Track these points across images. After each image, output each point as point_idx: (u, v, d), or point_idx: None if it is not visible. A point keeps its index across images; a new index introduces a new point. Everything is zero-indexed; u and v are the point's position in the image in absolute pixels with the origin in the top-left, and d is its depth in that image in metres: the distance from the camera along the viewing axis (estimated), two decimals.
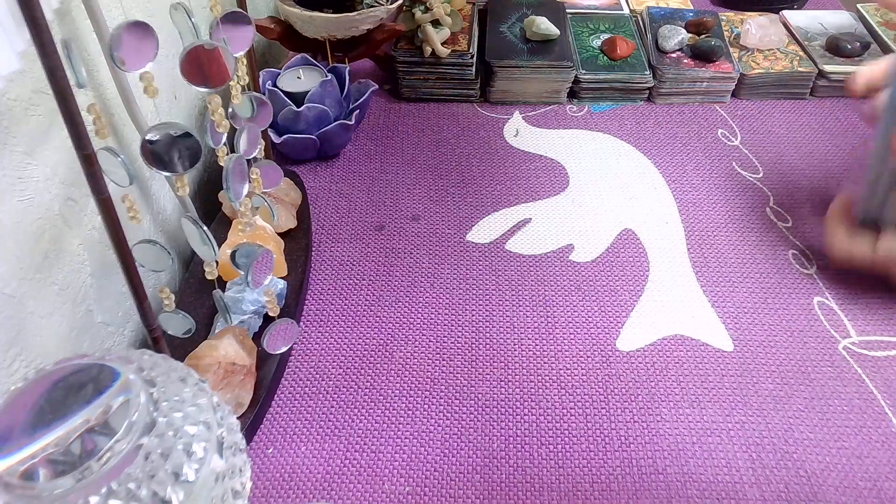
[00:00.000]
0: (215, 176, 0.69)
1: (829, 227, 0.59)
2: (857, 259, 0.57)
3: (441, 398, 0.52)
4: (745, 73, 0.79)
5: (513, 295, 0.59)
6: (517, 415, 0.51)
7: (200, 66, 0.42)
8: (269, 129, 0.68)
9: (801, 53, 0.81)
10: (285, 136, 0.68)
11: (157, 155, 0.41)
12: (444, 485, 0.47)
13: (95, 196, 0.37)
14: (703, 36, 0.82)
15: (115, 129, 0.52)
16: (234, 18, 0.47)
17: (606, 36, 0.83)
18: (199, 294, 0.57)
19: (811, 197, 0.68)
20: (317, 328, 0.57)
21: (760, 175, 0.71)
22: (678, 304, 0.59)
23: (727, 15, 0.88)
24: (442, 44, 0.76)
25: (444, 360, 0.55)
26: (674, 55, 0.80)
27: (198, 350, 0.49)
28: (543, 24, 0.79)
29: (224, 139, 0.47)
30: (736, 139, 0.75)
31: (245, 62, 0.51)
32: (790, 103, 0.80)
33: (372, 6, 0.75)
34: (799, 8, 0.92)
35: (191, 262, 0.60)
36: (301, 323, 0.57)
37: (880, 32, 0.83)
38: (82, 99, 0.39)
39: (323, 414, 0.51)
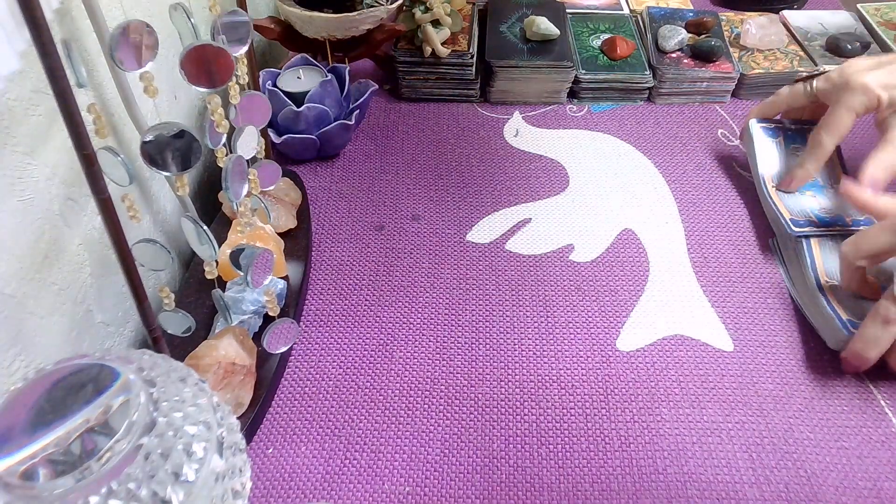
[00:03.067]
0: (215, 176, 0.69)
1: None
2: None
3: (441, 398, 0.52)
4: (745, 73, 0.79)
5: (513, 295, 0.59)
6: (517, 415, 0.51)
7: (201, 65, 0.42)
8: (269, 129, 0.68)
9: (801, 53, 0.81)
10: (285, 136, 0.68)
11: (156, 155, 0.41)
12: (444, 485, 0.47)
13: (95, 196, 0.37)
14: (703, 36, 0.82)
15: (115, 129, 0.52)
16: (234, 18, 0.47)
17: (606, 36, 0.83)
18: (199, 294, 0.57)
19: None
20: (317, 328, 0.57)
21: None
22: (678, 304, 0.59)
23: (727, 15, 0.88)
24: (442, 44, 0.76)
25: (444, 360, 0.55)
26: (674, 55, 0.80)
27: (198, 350, 0.49)
28: (543, 24, 0.79)
29: (224, 139, 0.47)
30: (736, 139, 0.75)
31: (245, 62, 0.51)
32: None
33: (372, 6, 0.75)
34: (799, 8, 0.92)
35: (191, 262, 0.60)
36: (301, 323, 0.57)
37: (880, 32, 0.83)
38: (82, 99, 0.39)
39: (323, 414, 0.51)
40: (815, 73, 0.71)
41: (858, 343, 0.51)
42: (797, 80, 0.66)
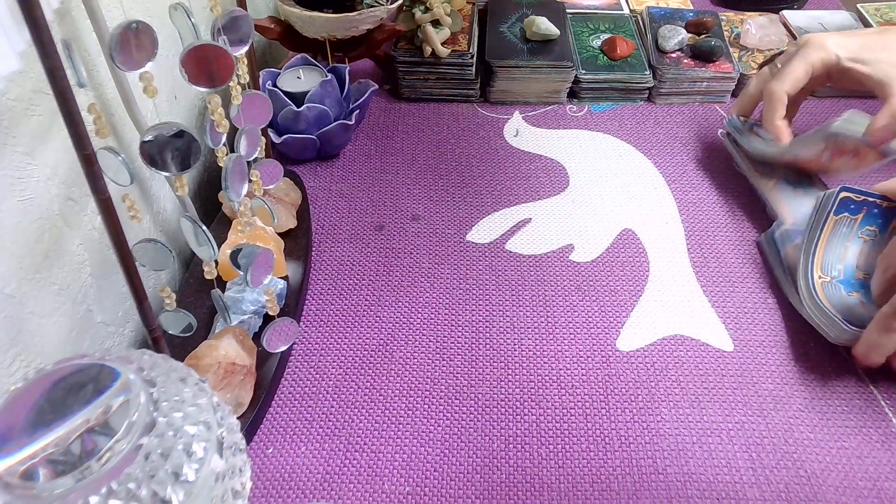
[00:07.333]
0: (215, 176, 0.69)
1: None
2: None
3: (441, 398, 0.52)
4: (745, 73, 0.78)
5: (513, 295, 0.59)
6: (517, 415, 0.51)
7: (201, 65, 0.42)
8: (269, 129, 0.68)
9: None
10: (285, 136, 0.68)
11: (156, 155, 0.41)
12: (444, 485, 0.47)
13: (95, 196, 0.37)
14: (703, 36, 0.82)
15: (115, 129, 0.52)
16: (234, 18, 0.47)
17: (606, 36, 0.83)
18: (199, 294, 0.57)
19: None
20: (317, 328, 0.57)
21: None
22: (678, 304, 0.59)
23: (727, 15, 0.88)
24: (442, 44, 0.76)
25: (444, 360, 0.55)
26: (674, 55, 0.80)
27: (198, 350, 0.49)
28: (543, 24, 0.79)
29: (224, 139, 0.47)
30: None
31: (245, 62, 0.51)
32: None
33: (372, 6, 0.75)
34: (799, 8, 0.92)
35: (191, 262, 0.60)
36: (301, 323, 0.57)
37: None
38: (82, 99, 0.39)
39: (323, 414, 0.51)
40: (777, 53, 0.71)
41: (862, 347, 0.51)
42: (760, 66, 0.66)
